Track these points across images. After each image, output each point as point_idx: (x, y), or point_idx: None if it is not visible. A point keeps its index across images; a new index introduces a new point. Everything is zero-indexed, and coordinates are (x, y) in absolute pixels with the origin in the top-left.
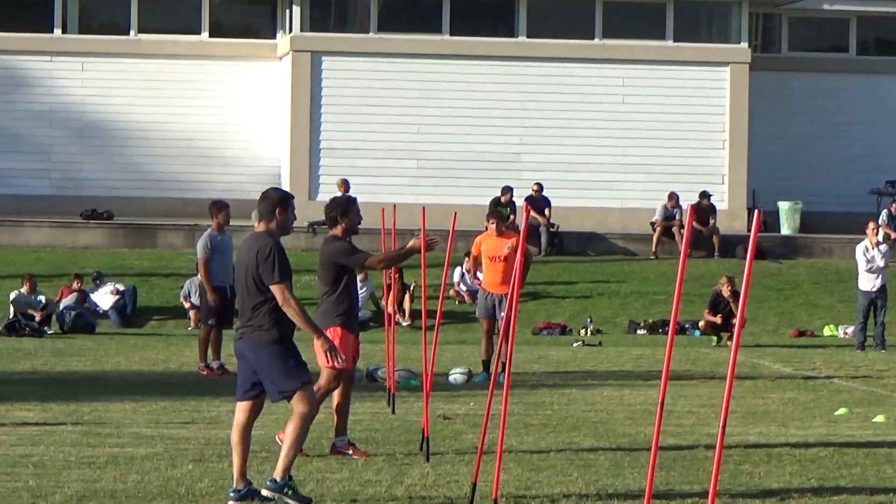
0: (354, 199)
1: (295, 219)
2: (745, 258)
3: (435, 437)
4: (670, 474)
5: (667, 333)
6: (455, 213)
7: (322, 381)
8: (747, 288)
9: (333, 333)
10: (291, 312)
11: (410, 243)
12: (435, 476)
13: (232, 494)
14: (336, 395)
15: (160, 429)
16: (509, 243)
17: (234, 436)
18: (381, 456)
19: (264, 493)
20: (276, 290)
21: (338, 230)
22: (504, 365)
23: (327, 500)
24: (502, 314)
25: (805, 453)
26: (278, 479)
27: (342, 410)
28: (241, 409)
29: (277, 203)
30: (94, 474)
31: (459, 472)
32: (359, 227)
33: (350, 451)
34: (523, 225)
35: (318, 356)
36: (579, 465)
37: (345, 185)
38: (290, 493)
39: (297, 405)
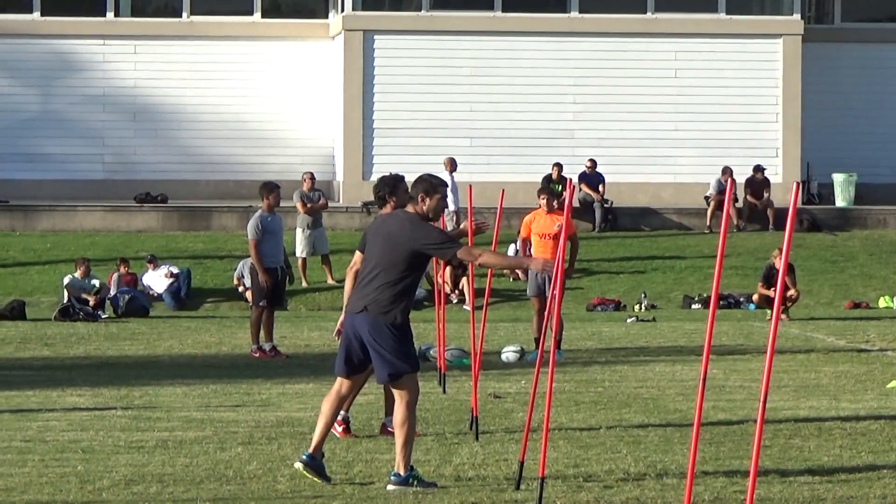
0: (402, 177)
1: (446, 206)
2: (799, 231)
3: (485, 417)
4: (720, 449)
5: (722, 307)
6: (503, 191)
7: None
8: (786, 264)
9: None
10: (491, 258)
11: (461, 226)
12: (484, 455)
13: (305, 458)
14: None
15: (210, 412)
16: (560, 221)
17: (326, 405)
18: (431, 436)
19: (390, 488)
20: (462, 253)
21: (388, 209)
22: (559, 343)
23: (376, 481)
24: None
25: (856, 427)
26: (402, 473)
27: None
28: (343, 384)
29: (430, 189)
30: (143, 458)
31: (508, 450)
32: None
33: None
34: (567, 202)
35: None
36: (629, 441)
37: (451, 163)
38: (415, 483)
39: (403, 391)
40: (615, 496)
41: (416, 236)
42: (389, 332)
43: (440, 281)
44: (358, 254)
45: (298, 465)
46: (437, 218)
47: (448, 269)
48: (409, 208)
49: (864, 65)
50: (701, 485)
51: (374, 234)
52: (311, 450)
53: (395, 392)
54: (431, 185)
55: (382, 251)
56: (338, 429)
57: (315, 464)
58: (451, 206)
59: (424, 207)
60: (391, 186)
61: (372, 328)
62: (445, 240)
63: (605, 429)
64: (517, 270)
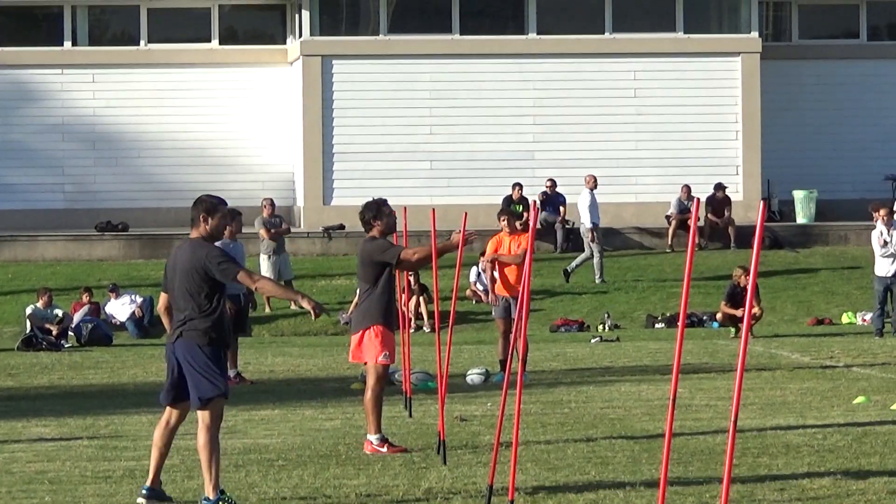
0: (385, 200)
1: (226, 226)
2: (761, 248)
3: (452, 439)
4: (688, 469)
5: (686, 326)
6: (465, 214)
7: (372, 379)
8: (755, 283)
9: (376, 331)
10: (270, 288)
11: (449, 240)
12: (452, 479)
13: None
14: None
15: (176, 440)
16: (522, 242)
17: (161, 440)
18: (399, 459)
19: None
20: (242, 277)
21: (374, 231)
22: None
23: None
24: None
25: (823, 443)
26: (211, 497)
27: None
28: (170, 414)
29: (211, 209)
30: (111, 488)
31: (477, 473)
32: (395, 224)
33: (384, 449)
34: (532, 223)
35: (365, 353)
36: (597, 462)
37: (592, 180)
38: None
39: (210, 414)
40: None
41: (199, 256)
42: (202, 353)
43: (404, 309)
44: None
45: (141, 501)
46: (219, 237)
47: (413, 298)
48: (194, 232)
49: (823, 81)
50: None
51: (172, 269)
52: (149, 483)
53: (201, 414)
54: (212, 205)
55: (181, 282)
56: (381, 450)
57: (155, 494)
58: (589, 223)
59: (207, 228)
60: (375, 211)
61: (186, 351)
62: (224, 261)
63: (573, 450)
64: (478, 293)
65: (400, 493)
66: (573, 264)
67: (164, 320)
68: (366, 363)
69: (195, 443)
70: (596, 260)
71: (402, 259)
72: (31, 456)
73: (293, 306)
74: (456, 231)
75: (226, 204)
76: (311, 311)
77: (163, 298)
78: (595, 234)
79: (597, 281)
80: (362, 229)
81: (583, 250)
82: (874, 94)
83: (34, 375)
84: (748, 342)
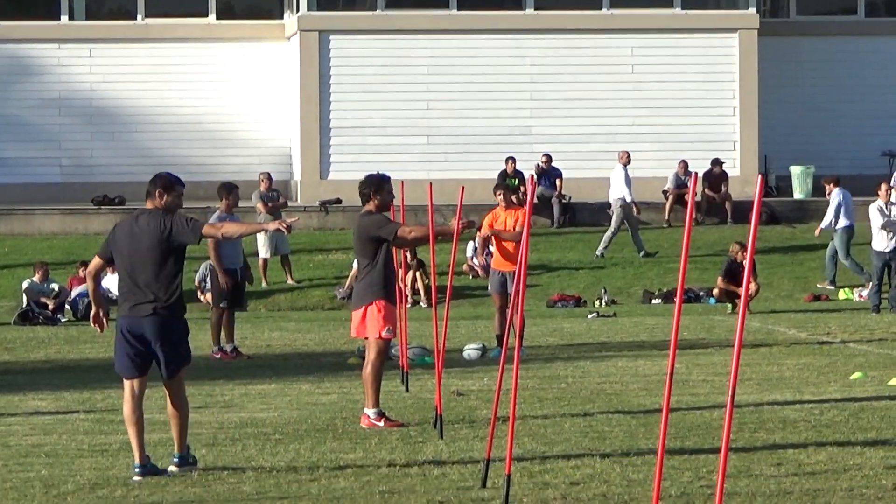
0: (388, 176)
1: (180, 205)
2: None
3: (449, 414)
4: (685, 444)
5: (683, 301)
6: (462, 188)
7: (372, 353)
8: (752, 259)
9: (378, 306)
10: (235, 228)
11: (448, 224)
12: (449, 453)
13: (138, 469)
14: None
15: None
16: (518, 216)
17: (135, 413)
18: (396, 433)
19: (172, 469)
20: (208, 230)
21: (371, 206)
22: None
23: (340, 479)
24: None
25: (820, 419)
26: (179, 452)
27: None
28: (137, 385)
29: (162, 187)
30: (107, 462)
31: (474, 448)
32: (391, 203)
33: (381, 423)
34: (529, 198)
35: (368, 328)
36: (594, 437)
37: (626, 156)
38: (193, 460)
39: (179, 382)
40: (582, 492)
41: (165, 221)
42: (179, 328)
43: (402, 285)
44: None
45: (137, 479)
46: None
47: (409, 273)
48: (149, 204)
49: (820, 57)
50: (668, 479)
51: (128, 239)
52: (137, 460)
53: (172, 383)
54: (170, 182)
55: (147, 258)
56: (378, 424)
57: (148, 470)
58: (628, 197)
59: (162, 202)
60: (376, 186)
61: (161, 328)
62: (190, 218)
63: (570, 425)
64: (475, 268)
65: (396, 466)
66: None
67: (90, 284)
68: (366, 338)
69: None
70: (609, 233)
71: (399, 236)
72: (27, 429)
73: (289, 280)
74: (454, 218)
75: (183, 185)
76: (283, 229)
77: (95, 262)
78: (624, 209)
79: (597, 252)
80: (359, 203)
81: (579, 224)
82: (872, 70)
83: (30, 349)
84: (745, 318)
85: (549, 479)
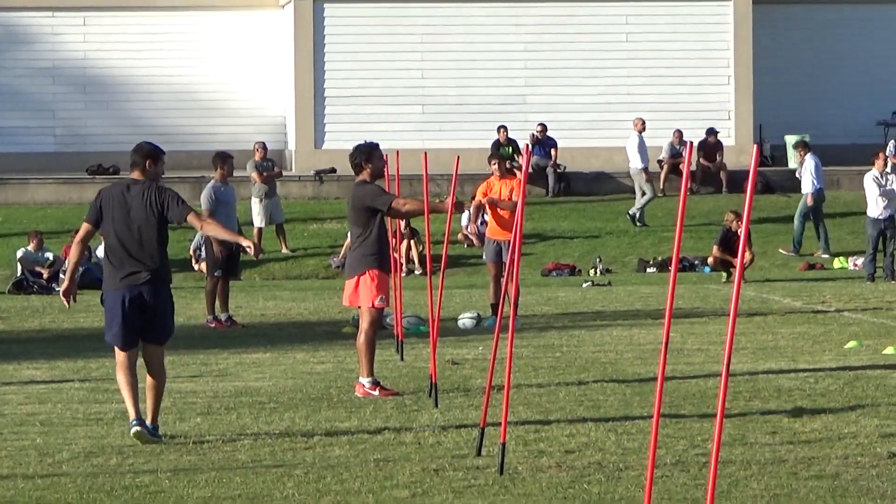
0: (377, 144)
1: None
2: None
3: (444, 383)
4: (680, 412)
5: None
6: (458, 157)
7: (366, 322)
8: (748, 228)
9: (371, 275)
10: (214, 229)
11: (442, 201)
12: (444, 422)
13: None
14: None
15: (168, 383)
16: (512, 185)
17: (132, 378)
18: (391, 402)
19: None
20: (192, 219)
21: (364, 175)
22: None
23: (335, 448)
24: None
25: (815, 387)
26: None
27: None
28: (132, 354)
29: (148, 155)
30: (102, 430)
31: (468, 416)
32: (384, 170)
33: (376, 392)
34: (525, 167)
35: (361, 297)
36: (588, 406)
37: (641, 123)
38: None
39: (162, 353)
40: (577, 461)
41: (162, 195)
42: (169, 295)
43: (396, 254)
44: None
45: (137, 429)
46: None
47: (404, 242)
48: (137, 174)
49: (815, 26)
50: (662, 447)
51: (121, 207)
52: (134, 415)
53: (159, 353)
54: (155, 151)
55: (142, 228)
56: (373, 392)
57: (144, 423)
58: (640, 164)
59: (148, 172)
60: (367, 154)
61: (158, 295)
62: (182, 202)
63: (565, 393)
64: (471, 236)
65: (392, 434)
66: (636, 208)
67: (75, 253)
68: (360, 307)
69: (181, 386)
70: (645, 199)
71: (393, 208)
72: (22, 398)
73: (284, 249)
74: (448, 197)
75: (163, 153)
76: (251, 250)
77: (85, 228)
78: (647, 175)
79: (631, 210)
80: (353, 173)
81: (574, 193)
82: (866, 39)
83: (25, 318)
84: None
85: (545, 447)
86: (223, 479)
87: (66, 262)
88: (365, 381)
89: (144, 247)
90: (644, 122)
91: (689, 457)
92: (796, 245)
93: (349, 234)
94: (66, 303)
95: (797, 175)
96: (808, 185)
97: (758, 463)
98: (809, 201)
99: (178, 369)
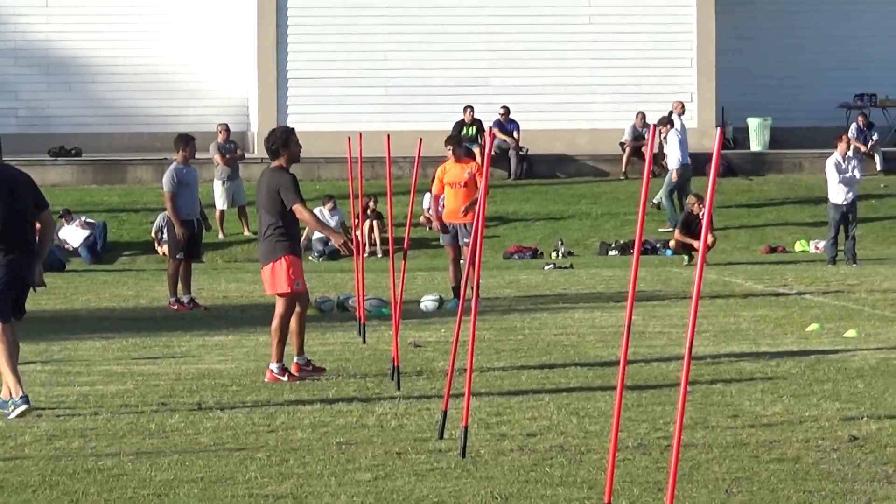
0: (293, 129)
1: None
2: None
3: (406, 366)
4: (642, 395)
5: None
6: (420, 140)
7: (281, 308)
8: (711, 211)
9: (285, 261)
10: (46, 245)
11: (337, 236)
12: (406, 404)
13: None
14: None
15: (130, 366)
16: (469, 169)
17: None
18: (353, 385)
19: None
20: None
21: (282, 161)
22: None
23: (297, 431)
24: (466, 240)
25: (777, 370)
26: (17, 397)
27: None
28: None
29: None
30: (64, 414)
31: (430, 399)
32: (299, 155)
33: (310, 368)
34: (488, 150)
35: (277, 284)
36: (550, 389)
37: (681, 106)
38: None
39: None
40: (539, 444)
41: (34, 192)
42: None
43: (354, 233)
44: None
45: (23, 408)
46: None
47: (367, 223)
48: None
49: (778, 8)
50: (624, 431)
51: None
52: (21, 393)
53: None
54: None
55: (22, 204)
56: (282, 378)
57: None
58: (681, 159)
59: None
60: (285, 139)
61: (29, 268)
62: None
63: (527, 376)
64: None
65: (353, 418)
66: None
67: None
68: (280, 294)
69: (144, 368)
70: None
71: (293, 209)
72: None
73: (246, 232)
74: (342, 236)
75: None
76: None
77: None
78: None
79: (655, 200)
80: (314, 156)
81: (536, 175)
82: (829, 21)
83: None
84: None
85: (507, 430)
86: (186, 461)
87: None
88: (274, 366)
89: (26, 226)
90: (683, 105)
91: (651, 440)
92: (672, 222)
93: (259, 221)
94: None
95: (664, 151)
96: (673, 161)
97: (719, 446)
98: (674, 177)
99: (141, 351)
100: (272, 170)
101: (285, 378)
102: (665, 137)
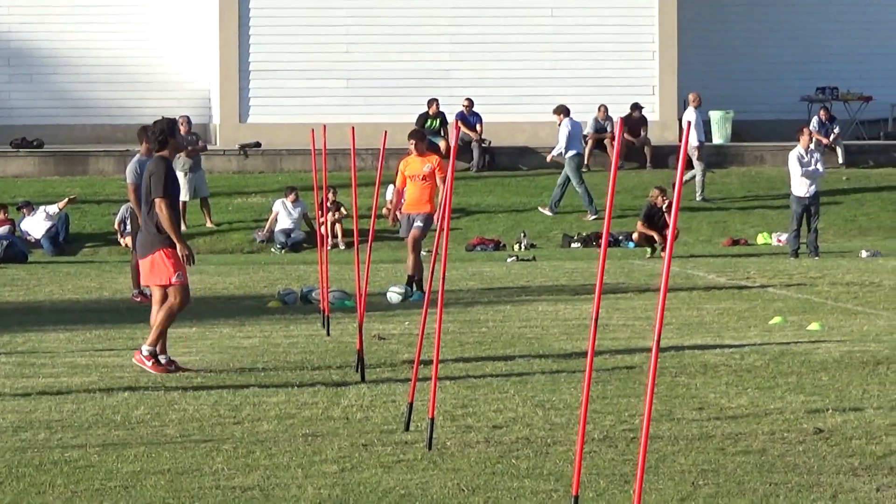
0: (176, 120)
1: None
2: (676, 168)
3: (371, 358)
4: (607, 388)
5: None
6: (385, 133)
7: (175, 299)
8: (678, 203)
9: (165, 253)
10: None
11: (182, 246)
12: (371, 397)
13: None
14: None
15: (95, 357)
16: (429, 162)
17: None
18: (318, 377)
19: None
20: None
21: (166, 152)
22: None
23: (263, 423)
24: (418, 223)
25: (741, 363)
26: None
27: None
28: None
29: None
30: (29, 405)
31: (396, 391)
32: (183, 145)
33: (150, 363)
34: (454, 142)
35: (158, 276)
36: (515, 381)
37: (697, 98)
38: None
39: None
40: (505, 436)
41: None
42: None
43: (318, 224)
44: None
45: None
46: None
47: (329, 214)
48: None
49: (741, 2)
50: (590, 423)
51: None
52: None
53: None
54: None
55: None
56: (146, 363)
57: None
58: (695, 141)
59: None
60: (170, 130)
61: None
62: None
63: (492, 369)
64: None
65: (319, 410)
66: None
67: None
68: (162, 285)
69: (108, 360)
70: (699, 178)
71: (156, 203)
72: None
73: (209, 223)
74: (187, 248)
75: None
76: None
77: None
78: (700, 151)
79: (697, 198)
80: (280, 146)
81: (498, 168)
82: (791, 14)
83: None
84: (662, 262)
85: (472, 422)
86: (152, 453)
87: None
88: (145, 348)
89: None
90: (700, 98)
91: (617, 432)
92: (553, 206)
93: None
94: None
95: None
96: (570, 150)
97: (685, 438)
98: (567, 165)
99: (105, 343)
100: (157, 159)
101: (150, 364)
102: (560, 125)
